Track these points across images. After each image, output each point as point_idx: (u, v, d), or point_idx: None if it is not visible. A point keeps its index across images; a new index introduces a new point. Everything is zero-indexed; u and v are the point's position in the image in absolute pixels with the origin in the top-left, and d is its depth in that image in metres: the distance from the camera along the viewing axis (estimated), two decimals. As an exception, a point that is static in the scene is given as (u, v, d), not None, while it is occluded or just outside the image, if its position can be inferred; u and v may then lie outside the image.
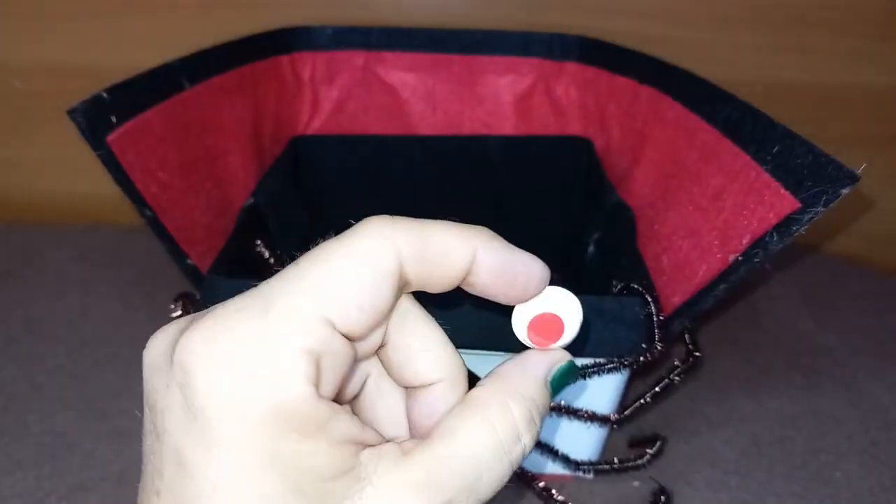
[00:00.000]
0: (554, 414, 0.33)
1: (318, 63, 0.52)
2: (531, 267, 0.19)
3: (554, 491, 0.35)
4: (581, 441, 0.35)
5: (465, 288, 0.19)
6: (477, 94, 0.52)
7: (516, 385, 0.19)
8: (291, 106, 0.52)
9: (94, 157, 0.28)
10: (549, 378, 0.20)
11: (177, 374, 0.15)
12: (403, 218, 0.18)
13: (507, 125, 0.53)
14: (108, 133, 0.28)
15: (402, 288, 0.18)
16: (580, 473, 0.36)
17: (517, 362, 0.20)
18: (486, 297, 0.19)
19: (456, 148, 0.51)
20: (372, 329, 0.18)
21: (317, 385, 0.16)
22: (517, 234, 0.60)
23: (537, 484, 0.35)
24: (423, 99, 0.52)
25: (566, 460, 0.35)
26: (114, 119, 0.29)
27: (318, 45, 0.51)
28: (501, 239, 0.19)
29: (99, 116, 0.28)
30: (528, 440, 0.18)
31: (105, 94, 0.29)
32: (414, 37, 0.51)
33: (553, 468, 0.36)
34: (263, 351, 0.15)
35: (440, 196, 0.52)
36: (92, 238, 0.59)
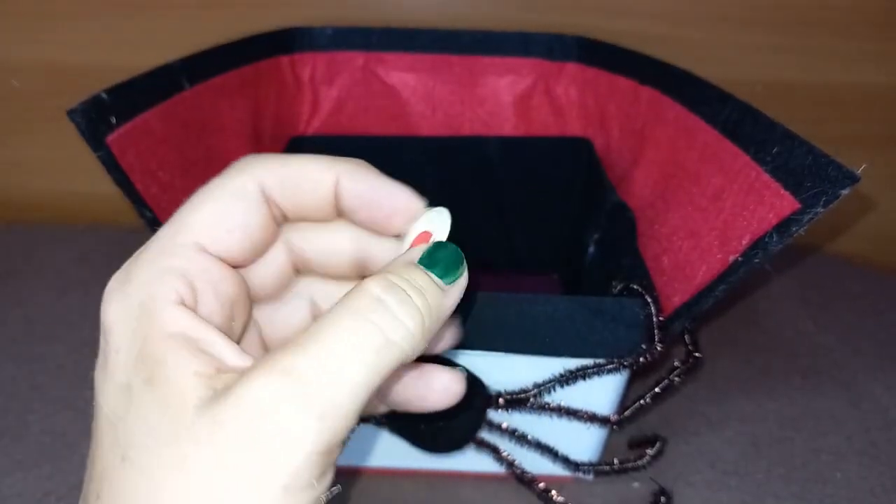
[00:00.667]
0: (554, 414, 0.33)
1: (319, 63, 0.52)
2: (396, 194, 0.21)
3: (554, 491, 0.35)
4: (581, 442, 0.35)
5: (346, 218, 0.21)
6: (477, 95, 0.52)
7: (383, 269, 0.18)
8: (291, 106, 0.52)
9: (93, 157, 0.28)
10: (419, 258, 0.19)
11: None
12: (270, 154, 0.20)
13: (507, 126, 0.53)
14: (108, 134, 0.28)
15: (277, 214, 0.19)
16: (580, 474, 0.36)
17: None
18: (366, 229, 0.21)
19: (456, 148, 0.51)
20: (252, 252, 0.19)
21: (190, 304, 0.17)
22: (517, 234, 0.60)
23: (537, 485, 0.35)
24: (423, 99, 0.52)
25: (566, 461, 0.35)
26: (113, 120, 0.29)
27: (319, 45, 0.51)
28: (372, 169, 0.21)
29: (98, 117, 0.28)
30: (393, 302, 0.17)
31: (105, 95, 0.29)
32: (414, 37, 0.51)
33: (553, 469, 0.36)
34: (141, 278, 0.17)
35: (440, 196, 0.52)
36: (92, 238, 0.59)
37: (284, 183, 0.19)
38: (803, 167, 0.25)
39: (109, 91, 0.29)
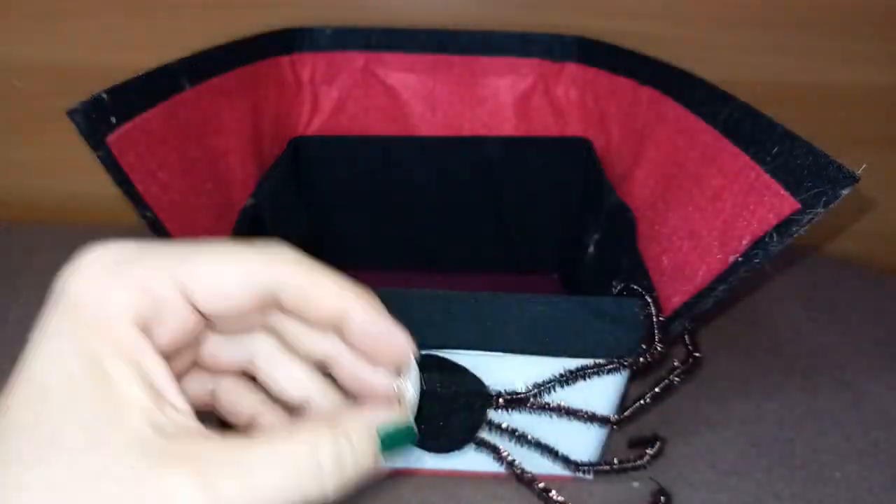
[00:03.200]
0: (554, 414, 0.33)
1: (319, 64, 0.52)
2: (396, 342, 0.21)
3: (554, 491, 0.35)
4: (581, 441, 0.35)
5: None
6: (477, 95, 0.52)
7: (344, 421, 0.19)
8: (291, 107, 0.52)
9: (93, 157, 0.28)
10: (379, 429, 0.20)
11: None
12: (293, 254, 0.20)
13: (507, 126, 0.53)
14: (108, 134, 0.28)
15: (270, 302, 0.20)
16: (580, 474, 0.36)
17: (361, 406, 0.21)
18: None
19: (456, 149, 0.51)
20: (232, 315, 0.20)
21: (148, 328, 0.18)
22: (517, 234, 0.60)
23: (537, 484, 0.35)
24: (423, 100, 0.52)
25: (566, 461, 0.35)
26: (114, 120, 0.29)
27: (319, 45, 0.51)
28: (380, 308, 0.21)
29: (99, 117, 0.28)
30: (329, 470, 0.18)
31: (105, 95, 0.29)
32: (414, 38, 0.51)
33: (553, 469, 0.36)
34: (137, 276, 0.18)
35: (440, 197, 0.52)
36: (92, 238, 0.59)
37: (294, 292, 0.19)
38: (803, 167, 0.25)
39: (109, 91, 0.29)
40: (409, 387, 0.21)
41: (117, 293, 0.17)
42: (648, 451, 0.36)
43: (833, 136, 0.61)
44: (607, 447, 0.36)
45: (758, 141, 0.29)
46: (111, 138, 0.28)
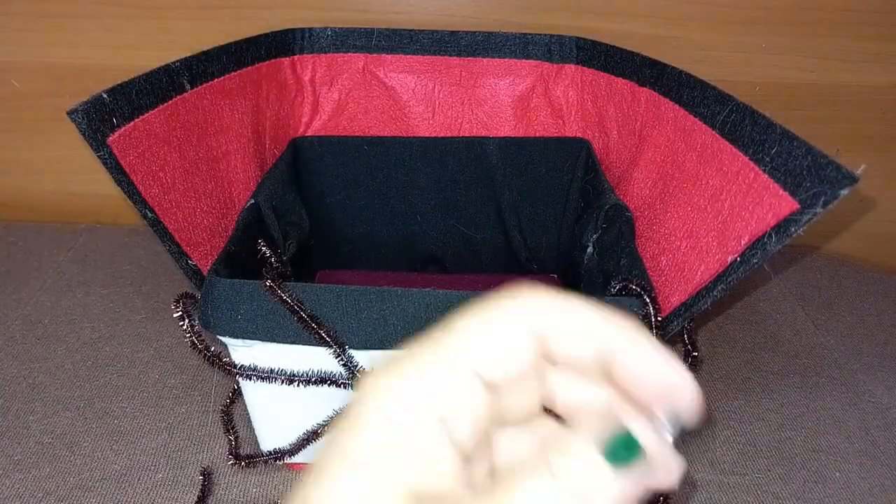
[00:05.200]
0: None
1: (319, 65, 0.52)
2: (678, 386, 0.19)
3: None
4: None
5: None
6: (476, 96, 0.52)
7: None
8: (292, 107, 0.52)
9: (94, 157, 0.28)
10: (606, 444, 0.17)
11: None
12: (550, 295, 0.19)
13: (506, 127, 0.53)
14: (109, 134, 0.28)
15: (545, 353, 0.19)
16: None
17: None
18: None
19: (455, 149, 0.51)
20: (513, 382, 0.19)
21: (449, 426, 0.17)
22: (516, 234, 0.60)
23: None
24: (422, 101, 0.52)
25: (565, 460, 0.35)
26: (114, 120, 0.29)
27: (319, 47, 0.51)
28: (651, 345, 0.19)
29: (99, 117, 0.28)
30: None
31: (105, 95, 0.29)
32: (414, 39, 0.51)
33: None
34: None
35: (439, 197, 0.52)
36: (92, 238, 0.59)
37: (560, 331, 0.19)
38: (802, 167, 0.25)
39: (110, 91, 0.29)
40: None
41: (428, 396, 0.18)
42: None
43: (833, 136, 0.61)
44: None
45: (757, 141, 0.29)
46: (112, 138, 0.29)
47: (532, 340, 0.19)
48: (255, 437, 0.38)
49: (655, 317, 0.30)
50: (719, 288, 0.28)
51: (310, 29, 0.51)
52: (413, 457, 0.17)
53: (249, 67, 0.44)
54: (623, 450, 0.17)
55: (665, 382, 0.18)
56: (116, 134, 0.29)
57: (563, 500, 0.16)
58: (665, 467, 0.17)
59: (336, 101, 0.53)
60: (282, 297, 0.30)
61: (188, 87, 0.36)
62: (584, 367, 0.19)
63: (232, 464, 0.37)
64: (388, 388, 0.18)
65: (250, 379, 0.33)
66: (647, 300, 0.30)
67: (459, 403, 0.18)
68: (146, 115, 0.32)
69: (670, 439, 0.18)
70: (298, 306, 0.30)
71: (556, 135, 0.52)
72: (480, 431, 0.18)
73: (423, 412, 0.17)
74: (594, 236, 0.44)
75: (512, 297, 0.19)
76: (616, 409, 0.18)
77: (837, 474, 0.38)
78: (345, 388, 0.32)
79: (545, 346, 0.19)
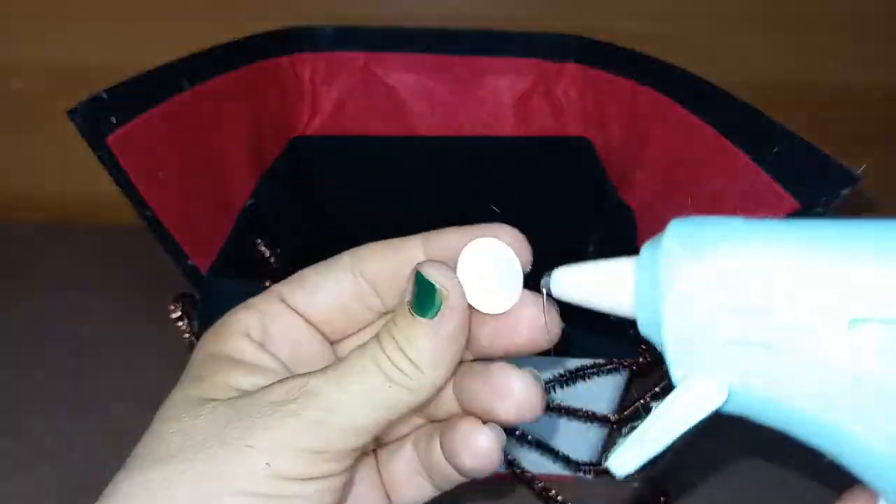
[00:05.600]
0: (554, 414, 0.33)
1: (319, 64, 0.52)
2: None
3: (554, 491, 0.35)
4: (581, 442, 0.35)
5: None
6: (477, 95, 0.52)
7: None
8: (291, 106, 0.52)
9: (93, 157, 0.28)
10: (407, 299, 0.19)
11: None
12: (383, 241, 0.23)
13: (506, 126, 0.53)
14: (109, 133, 0.28)
15: (375, 304, 0.22)
16: (580, 474, 0.36)
17: None
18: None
19: (456, 149, 0.51)
20: (340, 323, 0.22)
21: (257, 338, 0.20)
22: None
23: (537, 484, 0.35)
24: (422, 100, 0.52)
25: (566, 461, 0.35)
26: (114, 120, 0.29)
27: (319, 45, 0.51)
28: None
29: (99, 117, 0.28)
30: (390, 351, 0.18)
31: (105, 95, 0.29)
32: (414, 38, 0.51)
33: (553, 469, 0.36)
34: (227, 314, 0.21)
35: (439, 197, 0.52)
36: (92, 238, 0.59)
37: (379, 259, 0.22)
38: (803, 167, 0.25)
39: (110, 91, 0.29)
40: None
41: (231, 318, 0.21)
42: (649, 451, 0.36)
43: (833, 136, 0.61)
44: (607, 447, 0.36)
45: (758, 141, 0.29)
46: (111, 138, 0.29)
47: (351, 282, 0.21)
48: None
49: (656, 317, 0.30)
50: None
51: (309, 28, 0.51)
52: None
53: (249, 66, 0.44)
54: (426, 296, 0.18)
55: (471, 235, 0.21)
56: (116, 134, 0.29)
57: (386, 362, 0.18)
58: (461, 301, 0.19)
59: (336, 100, 0.53)
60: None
61: (187, 86, 0.36)
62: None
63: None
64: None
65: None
66: (648, 300, 0.30)
67: (265, 324, 0.21)
68: (145, 114, 0.32)
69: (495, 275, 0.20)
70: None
71: (556, 134, 0.52)
72: (299, 351, 0.21)
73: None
74: (596, 236, 0.44)
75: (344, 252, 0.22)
76: (415, 266, 0.19)
77: (837, 474, 0.38)
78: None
79: (375, 296, 0.22)
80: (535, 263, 0.22)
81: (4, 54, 0.57)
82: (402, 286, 0.20)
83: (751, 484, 0.38)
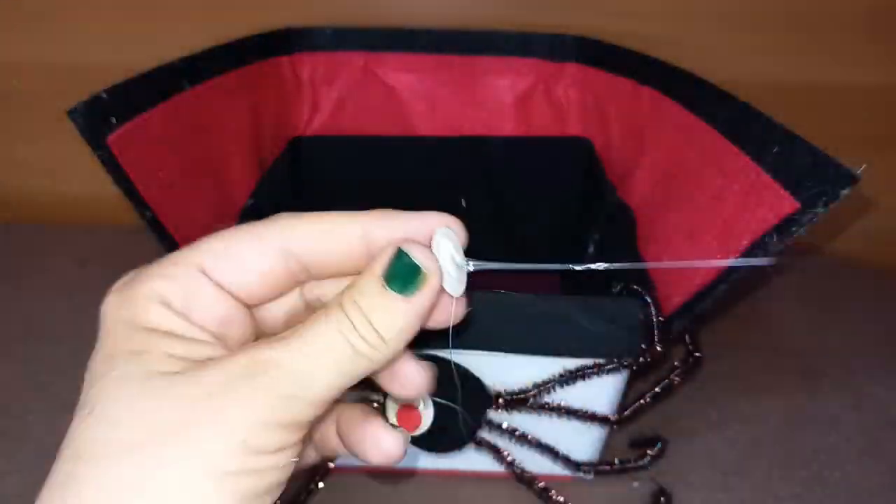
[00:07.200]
0: (554, 414, 0.33)
1: (318, 64, 0.52)
2: (427, 222, 0.21)
3: (554, 491, 0.35)
4: (581, 442, 0.35)
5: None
6: (477, 95, 0.52)
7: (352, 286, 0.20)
8: (291, 106, 0.52)
9: (93, 157, 0.28)
10: (381, 272, 0.19)
11: None
12: (302, 213, 0.22)
13: (506, 126, 0.53)
14: (108, 133, 0.28)
15: (297, 270, 0.21)
16: (580, 474, 0.36)
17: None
18: None
19: (456, 149, 0.51)
20: (259, 292, 0.21)
21: (178, 310, 0.19)
22: (517, 234, 0.60)
23: (537, 484, 0.35)
24: (422, 100, 0.52)
25: (566, 461, 0.35)
26: (113, 119, 0.29)
27: (319, 45, 0.51)
28: (395, 211, 0.21)
29: (99, 117, 0.28)
30: (356, 320, 0.18)
31: (105, 95, 0.29)
32: (414, 38, 0.51)
33: (553, 469, 0.36)
34: (137, 280, 0.20)
35: (440, 197, 0.52)
36: (92, 238, 0.59)
37: (313, 239, 0.21)
38: (803, 167, 0.25)
39: (109, 91, 0.29)
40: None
41: (143, 285, 0.20)
42: (650, 451, 0.36)
43: (833, 136, 0.61)
44: (607, 447, 0.36)
45: (758, 141, 0.29)
46: (111, 138, 0.28)
47: (274, 252, 0.21)
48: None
49: (657, 317, 0.30)
50: (721, 288, 0.28)
51: (309, 28, 0.51)
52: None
53: (249, 66, 0.44)
54: (407, 275, 0.19)
55: (421, 225, 0.21)
56: (116, 134, 0.29)
57: (354, 334, 0.18)
58: (450, 286, 0.20)
59: (335, 100, 0.53)
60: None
61: (187, 86, 0.36)
62: (346, 269, 0.21)
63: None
64: (115, 290, 0.21)
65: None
66: (649, 300, 0.30)
67: (186, 295, 0.20)
68: (145, 114, 0.32)
69: (456, 261, 0.20)
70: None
71: (557, 134, 0.52)
72: (223, 327, 0.21)
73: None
74: (595, 236, 0.44)
75: (263, 219, 0.21)
76: (395, 241, 0.20)
77: (838, 474, 0.38)
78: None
79: (296, 262, 0.21)
80: (536, 261, 0.23)
81: (4, 54, 0.57)
82: (334, 261, 0.21)
83: (751, 484, 0.38)
